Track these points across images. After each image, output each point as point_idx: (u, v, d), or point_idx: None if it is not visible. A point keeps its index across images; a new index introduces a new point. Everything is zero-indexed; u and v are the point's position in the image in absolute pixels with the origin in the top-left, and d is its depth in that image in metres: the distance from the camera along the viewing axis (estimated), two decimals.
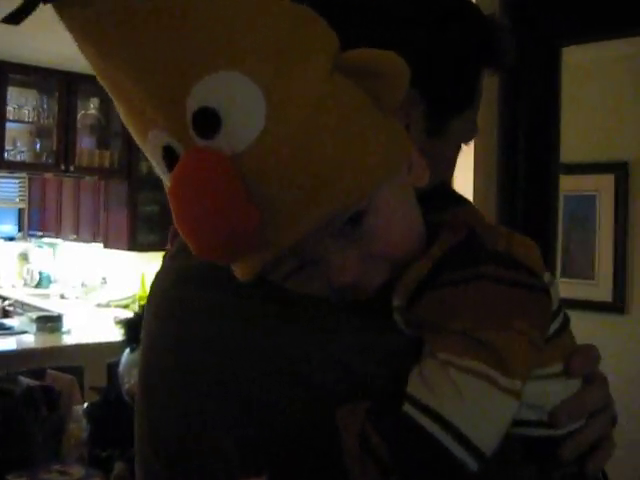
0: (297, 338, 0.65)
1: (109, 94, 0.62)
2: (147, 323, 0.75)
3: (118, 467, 1.97)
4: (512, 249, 0.64)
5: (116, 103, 0.62)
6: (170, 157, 0.59)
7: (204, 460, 0.66)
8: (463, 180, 2.44)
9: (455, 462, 0.57)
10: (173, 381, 0.69)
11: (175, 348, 0.69)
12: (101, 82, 0.62)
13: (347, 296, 0.65)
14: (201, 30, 0.56)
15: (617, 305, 4.45)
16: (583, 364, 0.69)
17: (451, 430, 0.56)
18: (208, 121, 0.56)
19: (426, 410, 0.57)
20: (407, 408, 0.58)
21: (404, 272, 0.64)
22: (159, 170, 0.62)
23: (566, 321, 0.71)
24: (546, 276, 0.67)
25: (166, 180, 0.61)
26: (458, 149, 0.81)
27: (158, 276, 0.78)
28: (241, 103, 0.55)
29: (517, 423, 0.63)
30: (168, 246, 0.82)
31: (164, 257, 0.79)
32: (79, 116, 5.44)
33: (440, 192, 0.75)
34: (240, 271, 0.63)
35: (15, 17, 0.58)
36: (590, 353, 0.72)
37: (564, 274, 4.62)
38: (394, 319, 0.65)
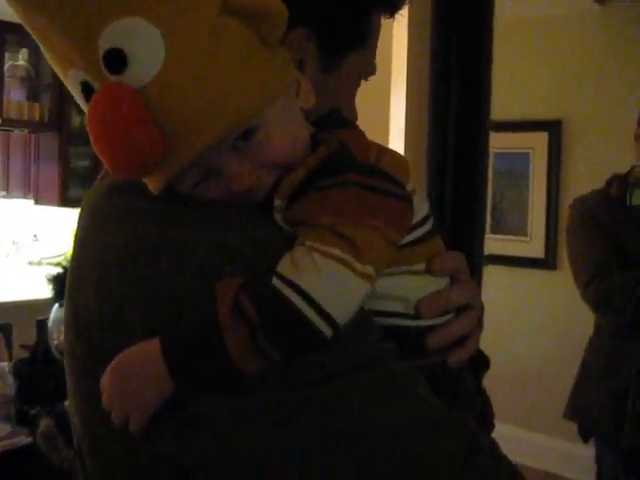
0: (194, 232, 0.75)
1: (34, 39, 0.73)
2: (77, 230, 0.86)
3: (44, 423, 1.93)
4: (380, 162, 0.77)
5: (41, 46, 0.73)
6: (87, 92, 0.71)
7: (117, 341, 0.74)
8: (396, 135, 2.44)
9: (312, 328, 0.68)
10: (94, 273, 0.78)
11: (98, 247, 0.79)
12: (25, 27, 0.73)
13: (243, 200, 0.76)
14: None
15: (549, 261, 4.54)
16: (442, 264, 0.83)
17: (309, 300, 0.67)
18: (116, 60, 0.68)
19: (291, 284, 0.68)
20: (275, 282, 0.68)
21: (285, 177, 0.76)
22: (80, 103, 0.74)
23: (434, 229, 0.84)
24: (410, 186, 0.79)
25: (85, 109, 0.72)
26: (354, 84, 0.93)
27: (89, 192, 0.88)
28: (143, 43, 0.67)
29: (387, 314, 0.79)
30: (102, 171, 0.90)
31: (98, 178, 0.90)
32: (6, 67, 5.25)
33: (333, 118, 0.85)
34: (152, 184, 0.76)
35: None
36: (452, 257, 0.85)
37: (498, 231, 4.68)
38: (275, 217, 0.76)
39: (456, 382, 0.85)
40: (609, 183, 2.69)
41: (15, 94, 5.36)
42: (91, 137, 0.70)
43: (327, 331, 0.68)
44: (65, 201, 5.51)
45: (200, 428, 0.72)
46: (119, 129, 0.68)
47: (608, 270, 2.53)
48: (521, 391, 4.55)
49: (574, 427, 2.78)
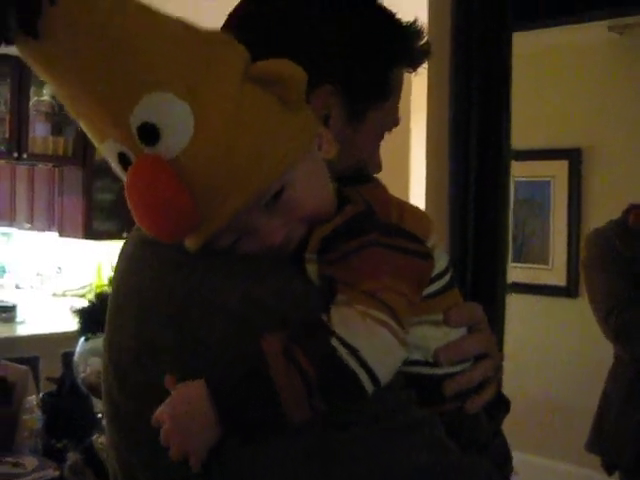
0: (226, 282, 0.80)
1: (71, 114, 0.78)
2: (115, 272, 0.92)
3: (72, 457, 1.96)
4: (403, 220, 0.82)
5: (77, 119, 0.78)
6: (124, 162, 0.76)
7: (154, 382, 0.78)
8: (417, 165, 2.46)
9: (363, 389, 0.73)
10: (131, 320, 0.84)
11: (134, 292, 0.85)
12: (63, 103, 0.78)
13: (276, 253, 0.81)
14: (137, 61, 0.73)
15: (571, 289, 4.52)
16: (459, 316, 0.87)
17: (364, 365, 0.73)
18: (149, 133, 0.73)
19: (351, 349, 0.73)
20: (335, 343, 0.73)
21: (313, 233, 0.80)
22: (117, 171, 0.78)
23: (452, 281, 0.88)
24: (431, 241, 0.84)
25: (123, 178, 0.77)
26: (378, 136, 0.97)
27: (126, 241, 0.94)
28: (173, 117, 0.73)
29: (407, 363, 0.81)
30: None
31: (133, 229, 0.95)
32: (32, 103, 5.34)
33: (357, 173, 0.91)
34: (189, 244, 0.79)
35: None
36: (469, 308, 0.90)
37: (519, 259, 4.68)
38: (306, 268, 0.81)
39: (473, 427, 0.88)
40: (626, 212, 2.69)
41: (40, 129, 5.45)
42: (130, 205, 0.75)
43: (370, 389, 0.75)
44: (89, 234, 5.58)
45: (233, 468, 0.77)
46: (155, 199, 0.73)
47: (627, 302, 2.52)
48: (544, 419, 4.52)
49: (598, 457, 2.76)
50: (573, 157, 4.52)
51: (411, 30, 0.95)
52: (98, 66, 0.73)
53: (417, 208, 0.88)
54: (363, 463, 0.77)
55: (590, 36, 4.36)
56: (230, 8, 0.92)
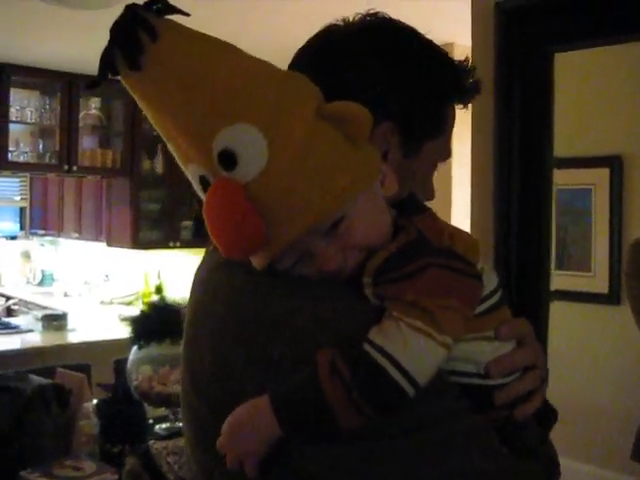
0: (293, 303, 0.87)
1: (162, 138, 0.86)
2: (191, 294, 1.00)
3: (130, 462, 2.03)
4: (454, 245, 0.89)
5: (167, 143, 0.87)
6: (204, 184, 0.84)
7: (233, 402, 0.85)
8: (461, 176, 2.51)
9: (397, 387, 0.79)
10: (207, 336, 0.91)
11: (211, 314, 0.92)
12: (155, 128, 0.86)
13: (332, 278, 0.87)
14: (221, 95, 0.81)
15: (613, 297, 4.51)
16: (509, 331, 0.93)
17: (395, 364, 0.79)
18: (228, 159, 0.81)
19: (380, 349, 0.80)
20: (366, 347, 0.81)
21: (370, 259, 0.87)
22: (198, 192, 0.86)
23: (501, 300, 0.94)
24: (480, 264, 0.90)
25: (203, 198, 0.84)
26: (432, 168, 1.05)
27: (202, 263, 1.02)
28: (250, 146, 0.80)
29: (461, 374, 0.89)
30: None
31: (206, 250, 1.04)
32: (81, 116, 5.48)
33: (410, 204, 0.97)
34: (256, 262, 0.87)
35: (93, 85, 0.86)
36: (518, 324, 0.95)
37: (561, 267, 4.67)
38: (364, 292, 0.87)
39: (522, 434, 0.94)
40: None
41: (88, 142, 5.58)
42: (207, 224, 0.83)
43: (410, 390, 0.80)
44: (136, 243, 5.68)
45: (297, 473, 0.85)
46: (230, 220, 0.80)
47: None
48: (587, 426, 4.51)
49: None
50: (614, 165, 4.51)
51: (462, 68, 1.01)
52: (187, 98, 0.81)
53: (467, 234, 0.93)
54: (426, 467, 0.83)
55: (629, 44, 4.35)
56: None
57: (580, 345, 4.62)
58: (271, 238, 0.82)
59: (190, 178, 0.87)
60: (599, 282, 4.59)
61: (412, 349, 0.80)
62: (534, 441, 0.97)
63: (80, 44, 4.30)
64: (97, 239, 6.09)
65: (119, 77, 0.84)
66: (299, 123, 0.81)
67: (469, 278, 0.86)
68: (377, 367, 0.80)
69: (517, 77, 2.06)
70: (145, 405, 2.55)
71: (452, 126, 1.04)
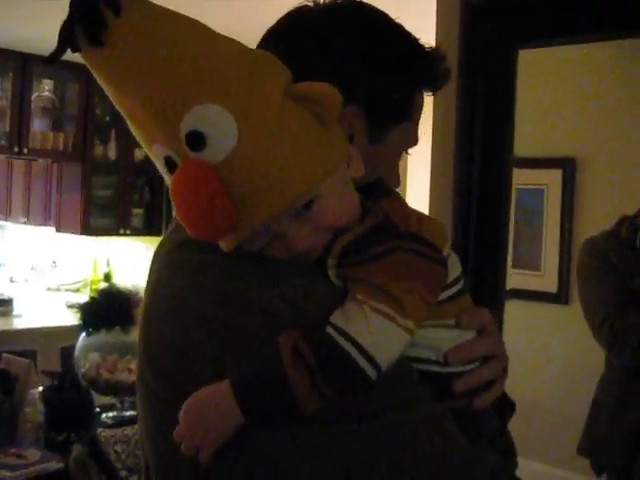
0: (259, 282, 0.86)
1: (123, 116, 0.84)
2: (150, 275, 0.98)
3: (76, 450, 2.00)
4: (421, 229, 0.87)
5: (129, 123, 0.84)
6: (170, 165, 0.81)
7: (191, 379, 0.84)
8: (422, 172, 2.51)
9: (359, 370, 0.79)
10: (167, 317, 0.90)
11: (170, 295, 0.91)
12: (116, 107, 0.84)
13: (301, 259, 0.87)
14: (189, 74, 0.79)
15: (562, 296, 4.58)
16: (470, 320, 0.93)
17: (357, 346, 0.79)
18: (196, 140, 0.79)
19: (342, 332, 0.80)
20: (329, 330, 0.80)
21: (336, 241, 0.86)
22: (163, 174, 0.84)
23: (464, 288, 0.94)
24: (446, 250, 0.90)
25: (168, 180, 0.83)
26: (397, 154, 1.04)
27: (162, 243, 1.00)
28: (220, 127, 0.78)
29: (420, 360, 0.89)
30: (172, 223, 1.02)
31: (168, 230, 1.02)
32: (33, 97, 5.36)
33: (377, 187, 0.97)
34: (224, 244, 0.85)
35: (50, 59, 0.81)
36: (479, 313, 0.95)
37: (512, 266, 4.73)
38: (328, 273, 0.87)
39: (481, 423, 0.95)
40: (619, 224, 2.73)
41: (39, 124, 5.46)
42: (174, 205, 0.81)
43: (372, 373, 0.80)
44: (86, 229, 5.59)
45: (256, 457, 0.84)
46: (198, 201, 0.78)
47: (620, 312, 2.57)
48: (535, 424, 4.57)
49: (588, 462, 2.82)
50: (567, 166, 4.57)
51: (434, 55, 1.00)
52: (154, 76, 0.79)
53: (436, 220, 0.93)
54: (382, 451, 0.83)
55: (586, 50, 4.41)
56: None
57: (528, 343, 4.67)
58: (241, 220, 0.80)
59: (153, 159, 0.85)
60: (548, 281, 4.66)
61: (376, 333, 0.80)
62: (492, 431, 0.97)
63: (35, 23, 4.20)
64: (45, 224, 5.98)
65: (79, 53, 0.81)
66: (269, 104, 0.80)
67: (435, 263, 0.86)
68: (341, 351, 0.79)
69: (480, 73, 2.07)
70: (92, 393, 2.52)
71: (420, 113, 1.03)
